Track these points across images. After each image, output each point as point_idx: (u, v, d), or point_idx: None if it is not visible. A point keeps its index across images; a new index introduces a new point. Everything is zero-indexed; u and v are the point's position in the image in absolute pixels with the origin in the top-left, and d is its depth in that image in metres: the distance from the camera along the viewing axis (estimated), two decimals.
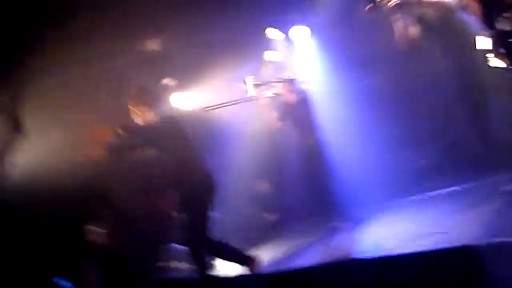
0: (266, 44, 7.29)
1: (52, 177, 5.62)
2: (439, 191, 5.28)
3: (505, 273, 2.02)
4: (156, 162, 4.96)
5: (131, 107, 4.73)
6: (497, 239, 2.16)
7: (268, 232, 7.12)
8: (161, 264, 5.64)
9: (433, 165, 6.04)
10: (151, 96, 4.83)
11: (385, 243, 4.15)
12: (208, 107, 6.51)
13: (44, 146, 5.93)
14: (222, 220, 6.34)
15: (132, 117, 4.76)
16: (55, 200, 5.56)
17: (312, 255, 4.99)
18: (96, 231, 5.47)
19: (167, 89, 7.47)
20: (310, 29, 7.06)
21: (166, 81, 7.41)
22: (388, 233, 4.49)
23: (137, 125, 4.76)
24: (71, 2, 5.39)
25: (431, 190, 5.43)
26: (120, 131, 4.77)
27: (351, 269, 2.59)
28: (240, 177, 6.94)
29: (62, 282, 3.25)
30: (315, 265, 3.47)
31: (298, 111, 6.04)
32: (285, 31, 7.15)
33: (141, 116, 4.70)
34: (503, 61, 3.30)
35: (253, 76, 6.16)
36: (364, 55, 6.76)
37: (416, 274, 2.25)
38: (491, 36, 3.30)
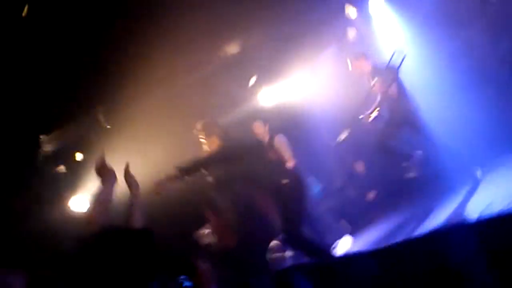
0: (345, 24, 7.13)
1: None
2: None
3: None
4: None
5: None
6: None
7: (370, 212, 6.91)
8: (273, 256, 5.74)
9: None
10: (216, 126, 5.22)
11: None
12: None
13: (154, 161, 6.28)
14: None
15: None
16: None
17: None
18: (208, 234, 5.70)
19: (254, 88, 7.60)
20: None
21: (252, 80, 7.55)
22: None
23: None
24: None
25: None
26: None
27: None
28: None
29: (187, 283, 3.42)
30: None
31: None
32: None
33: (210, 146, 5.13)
34: None
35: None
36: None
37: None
38: None
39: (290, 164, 5.50)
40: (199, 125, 5.22)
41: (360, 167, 7.65)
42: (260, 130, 5.94)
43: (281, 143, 5.76)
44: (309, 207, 5.53)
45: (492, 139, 5.50)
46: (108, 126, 6.34)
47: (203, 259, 3.66)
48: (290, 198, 4.95)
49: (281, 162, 5.48)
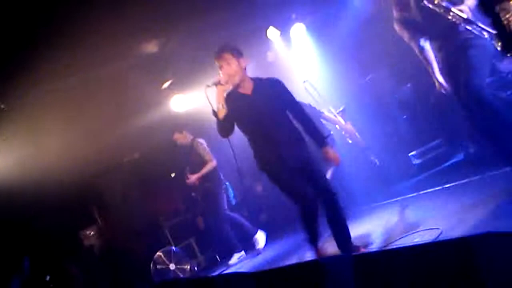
0: (266, 43, 7.24)
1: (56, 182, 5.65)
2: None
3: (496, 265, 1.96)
4: None
5: None
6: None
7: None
8: (159, 266, 5.66)
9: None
10: None
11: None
12: None
13: (48, 151, 5.96)
14: None
15: None
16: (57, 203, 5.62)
17: None
18: (92, 235, 5.51)
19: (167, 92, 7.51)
20: (306, 26, 6.97)
21: (166, 84, 7.45)
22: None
23: None
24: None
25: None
26: None
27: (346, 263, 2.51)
28: None
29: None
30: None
31: None
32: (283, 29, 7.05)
33: None
34: None
35: None
36: (364, 53, 6.64)
37: (409, 268, 2.19)
38: None
39: (212, 164, 6.26)
40: None
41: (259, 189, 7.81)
42: (179, 136, 6.55)
43: (202, 145, 6.39)
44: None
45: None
46: (3, 107, 5.92)
47: (75, 262, 3.52)
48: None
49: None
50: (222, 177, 6.46)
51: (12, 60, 5.49)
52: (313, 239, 3.87)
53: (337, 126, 5.84)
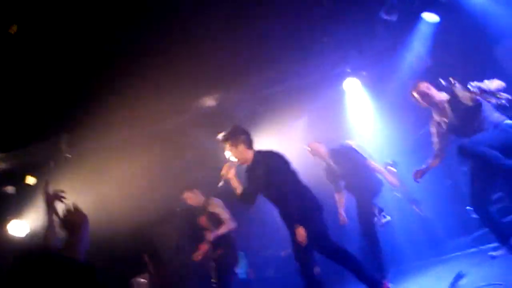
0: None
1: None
2: None
3: None
4: None
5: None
6: None
7: None
8: None
9: None
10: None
11: None
12: None
13: (108, 199, 6.16)
14: None
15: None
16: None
17: None
18: (144, 283, 5.57)
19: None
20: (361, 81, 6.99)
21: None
22: None
23: None
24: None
25: None
26: None
27: None
28: None
29: None
30: None
31: None
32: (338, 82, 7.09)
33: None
34: None
35: None
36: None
37: None
38: None
39: (231, 225, 5.39)
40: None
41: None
42: (190, 196, 5.71)
43: (217, 205, 5.55)
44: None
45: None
46: (68, 155, 6.25)
47: None
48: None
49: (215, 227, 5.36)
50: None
51: (82, 110, 5.84)
52: None
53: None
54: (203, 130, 7.19)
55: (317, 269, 6.97)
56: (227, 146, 4.34)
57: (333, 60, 6.76)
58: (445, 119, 4.35)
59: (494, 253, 4.39)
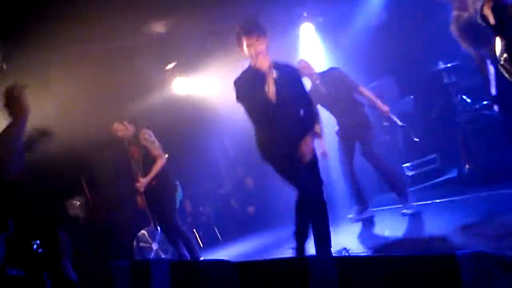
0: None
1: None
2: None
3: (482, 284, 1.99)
4: None
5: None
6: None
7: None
8: (142, 244, 5.63)
9: None
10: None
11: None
12: None
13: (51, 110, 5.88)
14: None
15: None
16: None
17: None
18: (78, 206, 5.47)
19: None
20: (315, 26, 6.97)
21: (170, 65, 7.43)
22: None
23: None
24: None
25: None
26: None
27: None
28: None
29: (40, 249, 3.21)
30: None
31: None
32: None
33: None
34: None
35: None
36: (372, 58, 6.63)
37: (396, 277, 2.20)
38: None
39: (162, 160, 5.00)
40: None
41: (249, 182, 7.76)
42: (120, 128, 5.22)
43: (149, 138, 5.09)
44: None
45: None
46: (4, 67, 5.86)
47: (64, 230, 3.49)
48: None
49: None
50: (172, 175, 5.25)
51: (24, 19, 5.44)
52: (303, 235, 3.67)
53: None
54: (150, 56, 7.01)
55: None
56: (260, 40, 3.45)
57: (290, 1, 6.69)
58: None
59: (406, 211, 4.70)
